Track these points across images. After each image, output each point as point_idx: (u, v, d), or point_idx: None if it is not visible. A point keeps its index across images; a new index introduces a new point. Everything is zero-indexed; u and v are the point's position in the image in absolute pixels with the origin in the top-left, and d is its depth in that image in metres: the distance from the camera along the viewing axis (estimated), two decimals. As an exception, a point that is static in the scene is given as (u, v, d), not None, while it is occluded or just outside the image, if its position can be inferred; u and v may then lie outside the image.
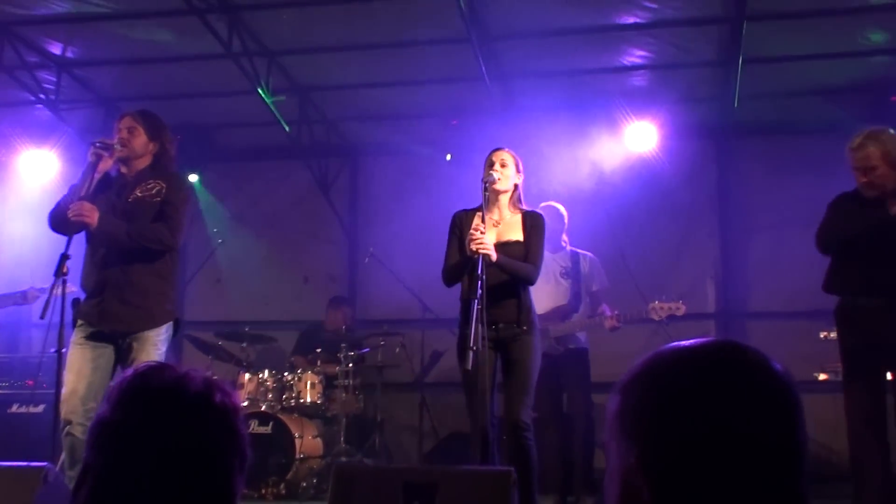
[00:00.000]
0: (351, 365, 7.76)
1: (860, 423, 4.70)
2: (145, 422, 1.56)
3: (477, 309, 4.41)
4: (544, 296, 6.36)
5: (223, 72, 8.18)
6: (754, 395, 1.19)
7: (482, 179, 4.92)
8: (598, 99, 8.45)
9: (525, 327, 4.88)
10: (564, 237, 6.78)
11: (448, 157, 9.03)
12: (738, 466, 1.16)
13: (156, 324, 4.72)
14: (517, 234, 5.00)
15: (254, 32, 7.86)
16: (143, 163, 4.96)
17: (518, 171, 5.07)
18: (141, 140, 4.93)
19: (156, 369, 1.64)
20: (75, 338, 4.73)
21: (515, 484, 3.72)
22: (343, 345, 7.78)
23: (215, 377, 1.67)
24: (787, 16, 7.41)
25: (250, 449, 1.65)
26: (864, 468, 4.71)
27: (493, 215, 5.04)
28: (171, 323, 4.80)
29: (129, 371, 1.67)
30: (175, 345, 9.42)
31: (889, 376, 4.82)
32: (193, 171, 9.38)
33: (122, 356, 4.68)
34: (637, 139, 8.51)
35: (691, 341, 1.26)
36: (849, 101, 8.46)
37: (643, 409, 1.22)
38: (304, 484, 7.22)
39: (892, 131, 4.79)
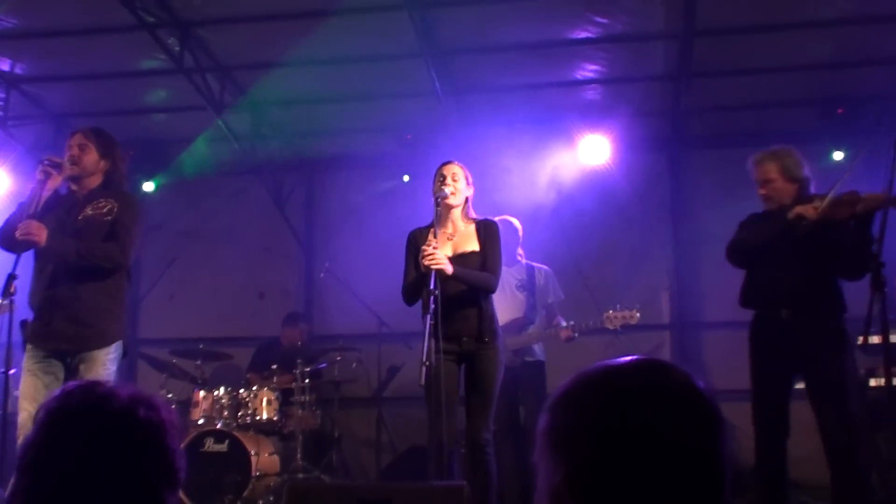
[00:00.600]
0: (307, 381, 7.72)
1: (765, 435, 4.91)
2: (65, 441, 1.56)
3: (430, 324, 4.43)
4: (500, 308, 6.34)
5: (176, 87, 8.14)
6: (678, 412, 1.21)
7: (433, 194, 4.96)
8: (552, 113, 8.51)
9: (487, 339, 4.90)
10: (520, 250, 6.81)
11: (406, 178, 8.99)
12: (663, 483, 1.18)
13: (104, 343, 4.67)
14: (473, 245, 5.03)
15: (206, 48, 7.83)
16: (95, 181, 4.92)
17: (468, 183, 5.12)
18: (92, 157, 4.90)
19: (81, 388, 1.65)
20: (26, 364, 4.68)
21: (470, 499, 3.73)
22: (299, 360, 7.73)
23: (145, 393, 1.67)
24: (734, 31, 7.52)
25: (183, 461, 1.66)
26: (767, 477, 4.90)
27: (447, 229, 5.07)
28: (120, 342, 4.76)
29: (56, 392, 1.67)
30: (129, 363, 9.36)
31: (801, 385, 4.96)
32: (150, 179, 9.31)
33: (71, 376, 4.62)
34: (591, 152, 8.55)
35: (617, 360, 1.28)
36: (797, 114, 8.62)
37: (569, 428, 1.23)
38: (261, 502, 7.16)
39: (793, 150, 5.09)
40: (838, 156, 8.07)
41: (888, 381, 3.93)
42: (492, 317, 4.99)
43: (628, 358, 1.29)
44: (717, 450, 1.22)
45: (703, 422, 1.23)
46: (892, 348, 4.00)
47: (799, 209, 4.79)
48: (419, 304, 5.00)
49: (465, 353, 4.90)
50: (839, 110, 8.17)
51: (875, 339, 4.22)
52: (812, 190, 5.03)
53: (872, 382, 6.53)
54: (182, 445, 7.03)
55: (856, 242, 4.73)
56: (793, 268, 4.86)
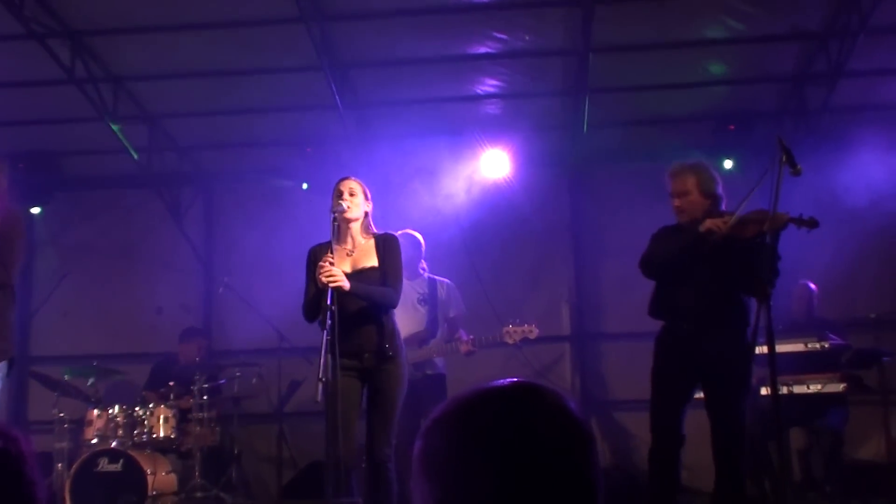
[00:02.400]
0: (205, 397, 7.57)
1: (660, 440, 5.01)
2: None
3: (326, 340, 4.40)
4: (402, 322, 6.32)
5: (68, 98, 7.88)
6: (548, 434, 1.22)
7: (331, 210, 4.92)
8: (454, 127, 8.53)
9: (389, 355, 4.88)
10: (423, 264, 6.83)
11: (305, 186, 8.88)
12: (535, 504, 1.18)
13: (-13, 364, 4.51)
14: (372, 260, 5.00)
15: (98, 58, 7.63)
16: (-27, 195, 4.76)
17: (367, 198, 5.09)
18: (-30, 173, 4.74)
19: None
20: None
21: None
22: (197, 377, 7.58)
23: (1, 424, 1.62)
24: (630, 48, 7.69)
25: (43, 493, 1.60)
26: (662, 486, 5.01)
27: (346, 245, 5.04)
28: (5, 362, 4.59)
29: None
30: (20, 382, 9.05)
31: (701, 395, 5.08)
32: (35, 205, 9.01)
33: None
34: (492, 167, 8.58)
35: (492, 384, 1.28)
36: (691, 130, 8.83)
37: (442, 452, 1.23)
38: (157, 523, 7.00)
39: (709, 166, 5.21)
40: (728, 164, 8.26)
41: (773, 390, 4.05)
42: (393, 332, 4.97)
43: (501, 381, 1.29)
44: (588, 469, 1.23)
45: (573, 443, 1.23)
46: (777, 359, 4.11)
47: (709, 223, 4.86)
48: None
49: (367, 369, 4.87)
50: (731, 126, 8.40)
51: (763, 350, 4.35)
52: (723, 208, 5.14)
53: (763, 391, 6.69)
54: (75, 466, 6.88)
55: (762, 260, 4.84)
56: (700, 282, 4.94)
